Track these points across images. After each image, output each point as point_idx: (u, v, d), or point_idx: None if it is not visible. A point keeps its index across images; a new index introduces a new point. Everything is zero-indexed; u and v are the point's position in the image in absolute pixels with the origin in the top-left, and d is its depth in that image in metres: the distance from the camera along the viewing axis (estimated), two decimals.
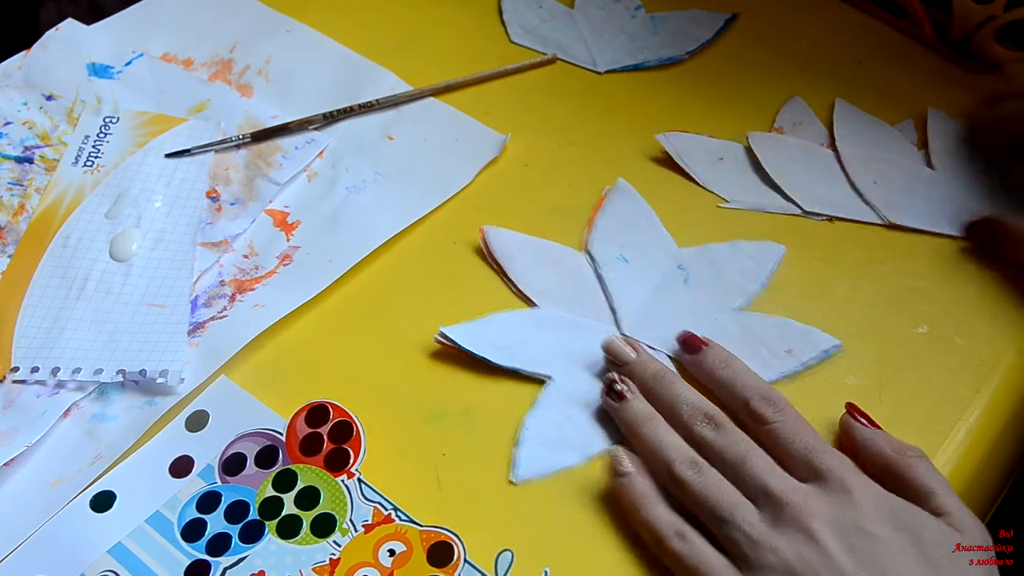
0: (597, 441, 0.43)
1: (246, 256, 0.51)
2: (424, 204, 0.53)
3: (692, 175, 0.54)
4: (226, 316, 0.48)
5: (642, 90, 0.60)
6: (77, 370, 0.45)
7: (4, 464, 0.42)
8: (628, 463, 0.42)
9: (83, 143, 0.55)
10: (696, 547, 0.39)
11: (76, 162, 0.54)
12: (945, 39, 0.62)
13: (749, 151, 0.55)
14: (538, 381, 0.45)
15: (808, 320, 0.47)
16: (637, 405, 0.43)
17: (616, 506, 0.41)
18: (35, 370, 0.45)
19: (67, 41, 0.61)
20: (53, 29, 0.61)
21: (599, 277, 0.49)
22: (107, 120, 0.56)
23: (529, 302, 0.48)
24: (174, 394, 0.44)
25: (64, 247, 0.50)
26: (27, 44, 0.61)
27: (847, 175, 0.54)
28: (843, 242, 0.51)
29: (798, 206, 0.53)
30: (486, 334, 0.46)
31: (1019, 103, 0.55)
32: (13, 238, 0.51)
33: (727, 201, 0.53)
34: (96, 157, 0.54)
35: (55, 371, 0.45)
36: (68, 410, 0.44)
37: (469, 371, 0.46)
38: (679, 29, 0.63)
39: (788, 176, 0.54)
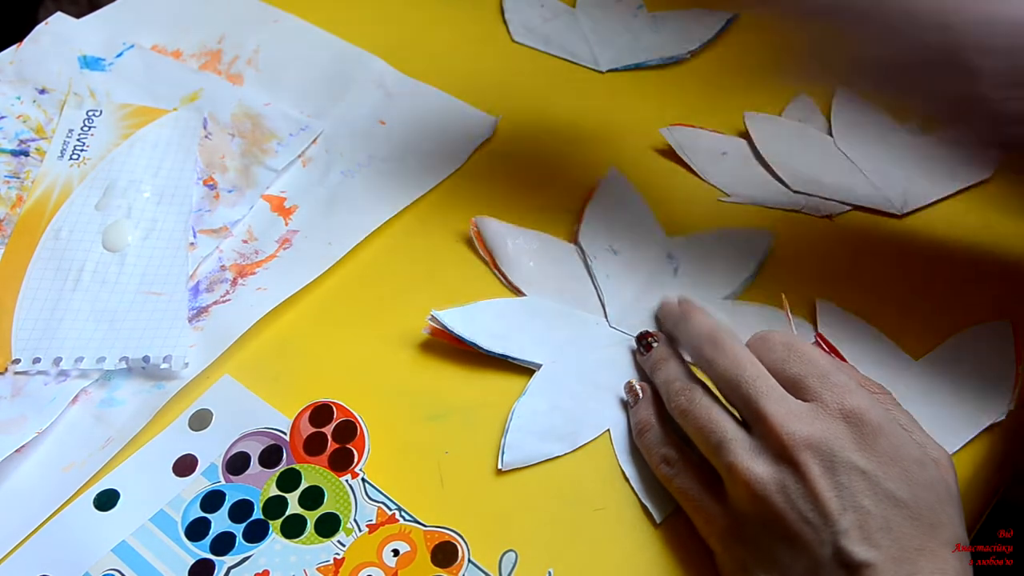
0: (584, 431, 0.43)
1: (245, 241, 0.51)
2: (419, 186, 0.53)
3: (694, 168, 0.54)
4: (229, 300, 0.48)
5: (644, 89, 0.60)
6: (79, 359, 0.45)
7: (16, 451, 0.41)
8: (631, 396, 0.43)
9: (67, 137, 0.55)
10: (680, 474, 0.39)
11: (61, 156, 0.54)
12: None
13: (752, 145, 0.55)
14: (530, 371, 0.45)
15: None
16: (659, 351, 0.44)
17: (618, 506, 0.41)
18: (36, 360, 0.45)
19: (57, 35, 0.60)
20: (43, 23, 0.61)
21: (588, 269, 0.49)
22: (90, 113, 0.56)
23: (519, 292, 0.48)
24: (181, 378, 0.45)
25: (56, 239, 0.50)
26: None
27: (847, 158, 0.54)
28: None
29: (786, 185, 0.53)
30: (477, 320, 0.46)
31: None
32: (12, 230, 0.51)
33: (728, 195, 0.53)
34: (81, 150, 0.54)
35: (57, 361, 0.45)
36: (76, 396, 0.44)
37: (469, 367, 0.46)
38: (681, 28, 0.63)
39: (778, 156, 0.54)
